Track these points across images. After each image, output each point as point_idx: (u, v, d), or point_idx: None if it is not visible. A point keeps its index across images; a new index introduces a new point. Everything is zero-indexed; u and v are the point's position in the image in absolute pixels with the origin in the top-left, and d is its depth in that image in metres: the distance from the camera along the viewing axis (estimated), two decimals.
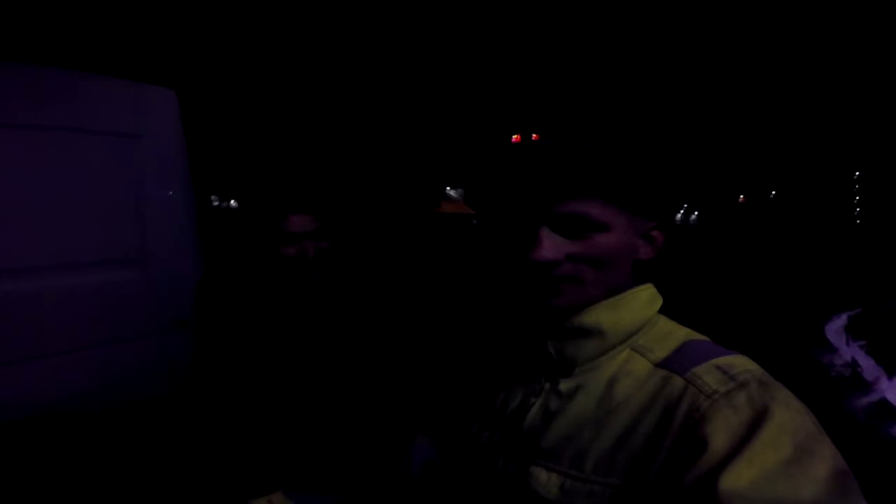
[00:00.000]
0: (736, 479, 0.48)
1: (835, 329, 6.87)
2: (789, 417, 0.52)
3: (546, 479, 0.62)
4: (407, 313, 1.37)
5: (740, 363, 0.59)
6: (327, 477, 1.22)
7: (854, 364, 5.19)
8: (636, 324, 0.66)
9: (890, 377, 4.61)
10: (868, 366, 5.09)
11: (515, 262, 0.65)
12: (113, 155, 1.90)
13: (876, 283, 11.24)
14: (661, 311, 0.70)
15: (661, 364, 0.62)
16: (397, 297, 1.37)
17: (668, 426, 0.56)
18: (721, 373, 0.57)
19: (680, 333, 0.66)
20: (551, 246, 0.62)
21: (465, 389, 0.83)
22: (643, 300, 0.68)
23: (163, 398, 1.95)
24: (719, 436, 0.51)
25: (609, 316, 0.65)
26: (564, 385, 0.66)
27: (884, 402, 4.10)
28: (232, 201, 20.25)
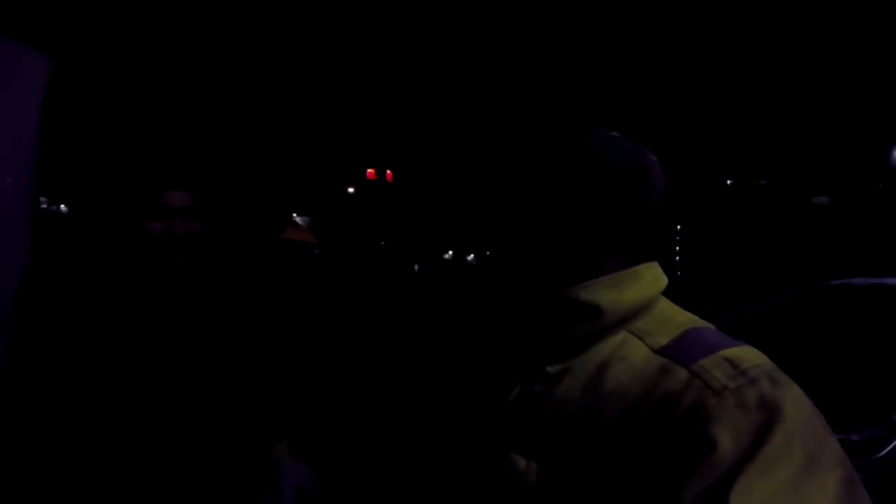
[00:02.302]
0: (747, 492, 0.46)
1: None
2: (800, 419, 0.50)
3: (525, 467, 0.58)
4: (284, 311, 1.31)
5: (750, 356, 0.55)
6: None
7: None
8: (637, 305, 0.61)
9: None
10: None
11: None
12: None
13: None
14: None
15: (662, 351, 0.57)
16: (275, 293, 1.31)
17: (666, 421, 0.52)
18: (730, 366, 0.53)
19: (682, 319, 0.62)
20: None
21: (434, 377, 0.80)
22: (647, 279, 0.63)
23: None
24: (727, 438, 0.48)
25: (609, 294, 0.60)
26: (552, 367, 0.62)
27: None
28: (62, 206, 17.49)
